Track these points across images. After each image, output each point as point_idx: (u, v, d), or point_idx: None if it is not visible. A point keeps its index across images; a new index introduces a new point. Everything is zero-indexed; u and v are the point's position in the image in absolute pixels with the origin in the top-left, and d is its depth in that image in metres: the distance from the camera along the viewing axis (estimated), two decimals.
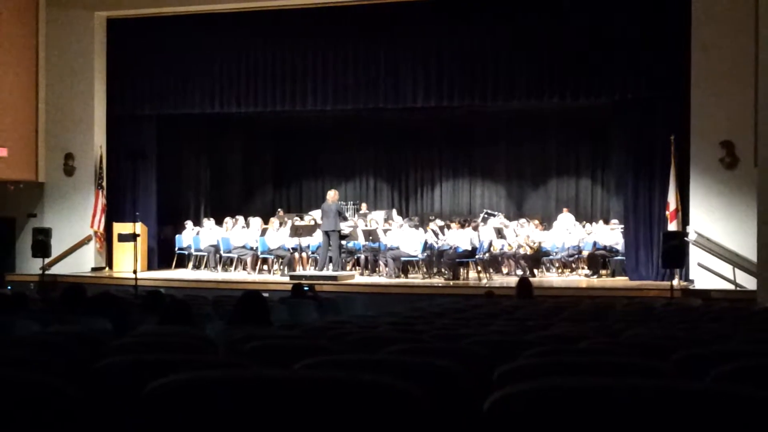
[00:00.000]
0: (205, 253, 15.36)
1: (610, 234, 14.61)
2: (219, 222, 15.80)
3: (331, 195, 13.94)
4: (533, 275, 13.98)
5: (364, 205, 18.12)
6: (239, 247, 14.95)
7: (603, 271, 14.43)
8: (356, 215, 16.71)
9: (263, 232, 14.93)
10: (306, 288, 9.57)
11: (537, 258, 14.72)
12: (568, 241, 15.10)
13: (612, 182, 17.20)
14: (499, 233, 14.92)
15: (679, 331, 4.55)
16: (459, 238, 13.72)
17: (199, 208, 17.65)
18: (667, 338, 3.83)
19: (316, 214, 15.91)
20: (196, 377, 1.68)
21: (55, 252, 14.83)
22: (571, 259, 15.00)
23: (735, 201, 12.21)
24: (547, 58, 13.59)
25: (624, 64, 13.17)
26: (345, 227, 14.27)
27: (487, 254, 14.21)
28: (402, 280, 13.76)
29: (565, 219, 16.22)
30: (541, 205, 18.57)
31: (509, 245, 14.85)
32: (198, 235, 15.58)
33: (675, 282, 11.83)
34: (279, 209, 18.17)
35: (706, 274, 12.29)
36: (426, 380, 2.06)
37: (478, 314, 6.35)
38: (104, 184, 15.42)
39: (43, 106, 15.68)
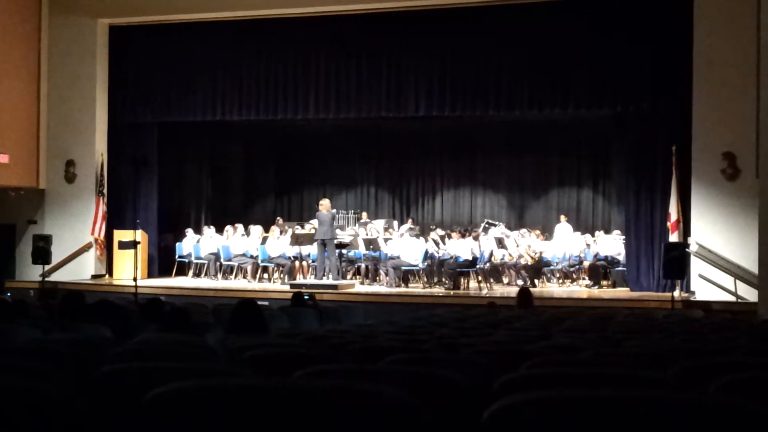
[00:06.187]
0: (206, 261, 15.34)
1: (612, 244, 14.58)
2: (219, 230, 15.79)
3: (326, 204, 13.93)
4: (534, 285, 13.95)
5: (364, 214, 18.11)
6: (239, 255, 14.91)
7: (604, 282, 14.39)
8: (357, 224, 16.69)
9: (264, 240, 14.91)
10: (306, 297, 9.54)
11: (538, 268, 14.70)
12: (569, 251, 15.08)
13: (613, 193, 17.17)
14: (500, 243, 14.90)
15: (679, 342, 4.54)
16: (460, 247, 13.71)
17: (199, 216, 17.63)
18: (668, 349, 3.82)
19: (316, 223, 15.89)
20: (196, 386, 1.68)
21: (56, 259, 14.80)
22: (572, 269, 14.98)
23: (736, 212, 12.19)
24: (549, 68, 13.60)
25: (626, 76, 13.17)
26: (345, 236, 14.23)
27: (487, 264, 14.20)
28: (402, 289, 13.74)
29: (564, 228, 16.18)
30: (543, 215, 18.52)
31: (510, 255, 14.84)
32: (198, 243, 15.55)
33: (676, 293, 11.82)
34: (278, 218, 18.14)
35: (707, 285, 12.27)
36: (426, 390, 2.06)
37: (478, 324, 6.33)
38: (105, 191, 15.41)
39: (45, 112, 15.70)
